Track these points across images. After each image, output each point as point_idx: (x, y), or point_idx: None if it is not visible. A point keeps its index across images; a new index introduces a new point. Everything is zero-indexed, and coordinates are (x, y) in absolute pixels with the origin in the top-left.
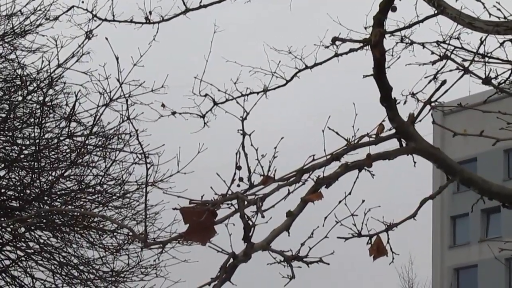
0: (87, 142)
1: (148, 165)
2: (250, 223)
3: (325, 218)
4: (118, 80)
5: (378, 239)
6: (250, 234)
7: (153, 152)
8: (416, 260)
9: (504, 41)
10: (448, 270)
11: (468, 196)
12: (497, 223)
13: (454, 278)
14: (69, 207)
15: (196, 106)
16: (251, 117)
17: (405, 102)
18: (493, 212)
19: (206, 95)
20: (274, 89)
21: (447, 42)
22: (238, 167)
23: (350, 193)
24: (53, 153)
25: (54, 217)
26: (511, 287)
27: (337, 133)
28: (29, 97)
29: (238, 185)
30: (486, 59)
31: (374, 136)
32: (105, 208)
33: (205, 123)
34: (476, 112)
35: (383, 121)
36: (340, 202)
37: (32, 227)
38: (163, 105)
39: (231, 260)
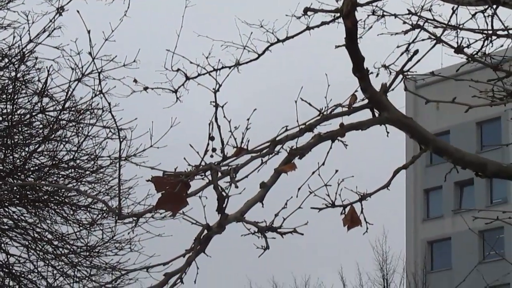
0: (59, 117)
1: (121, 140)
2: (224, 194)
3: (299, 189)
4: (90, 54)
5: (352, 209)
6: (224, 205)
7: (126, 127)
8: (389, 233)
9: (475, 13)
10: (421, 243)
11: (441, 169)
12: (470, 195)
13: (428, 251)
14: (43, 182)
15: (168, 81)
16: (223, 91)
17: (377, 75)
18: (466, 185)
19: (178, 69)
20: (246, 63)
21: (419, 14)
22: (211, 138)
23: (323, 164)
24: (25, 128)
25: (27, 192)
26: (484, 259)
27: (309, 104)
28: (0, 73)
29: (211, 156)
30: (458, 31)
31: (347, 106)
32: (79, 183)
33: (177, 98)
34: (448, 85)
35: (356, 91)
36: (313, 172)
37: (6, 203)
38: (135, 81)
39: (205, 231)
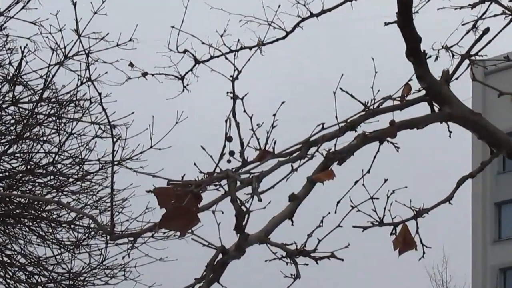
0: (36, 110)
1: (114, 139)
2: (244, 209)
3: (338, 202)
4: (76, 32)
5: (405, 229)
6: (244, 223)
7: (120, 123)
8: (451, 259)
9: None
10: (492, 270)
11: None
12: None
13: (499, 281)
14: (15, 192)
15: (173, 65)
16: (243, 78)
17: (436, 59)
18: None
19: (185, 51)
20: (272, 42)
21: None
22: (229, 138)
23: (369, 171)
24: None
25: None
26: None
27: (352, 95)
28: None
29: (229, 161)
30: None
31: (398, 99)
32: (60, 193)
33: (184, 86)
34: None
35: (410, 80)
36: (356, 182)
37: None
38: (131, 64)
39: (220, 255)
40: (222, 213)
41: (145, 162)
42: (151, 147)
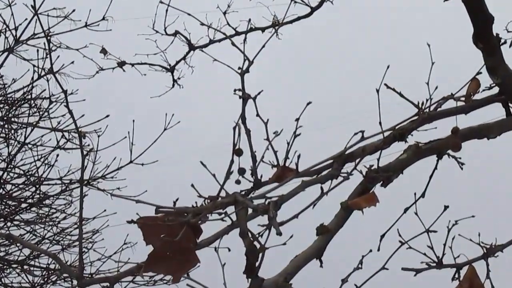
0: None
1: (84, 151)
2: (258, 245)
3: (382, 236)
4: (34, 8)
5: (472, 272)
6: (257, 264)
7: (90, 130)
8: None
9: None
10: None
11: None
12: None
13: None
14: None
15: (161, 52)
16: (254, 71)
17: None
18: None
19: (176, 33)
20: (291, 22)
21: None
22: (237, 152)
23: (423, 195)
24: None
25: None
26: None
27: (401, 94)
28: None
29: (238, 182)
30: None
31: (463, 99)
32: (9, 223)
33: (175, 80)
34: None
35: (479, 74)
36: (406, 210)
37: None
38: (104, 51)
39: None
40: (229, 250)
41: (123, 182)
42: (131, 161)
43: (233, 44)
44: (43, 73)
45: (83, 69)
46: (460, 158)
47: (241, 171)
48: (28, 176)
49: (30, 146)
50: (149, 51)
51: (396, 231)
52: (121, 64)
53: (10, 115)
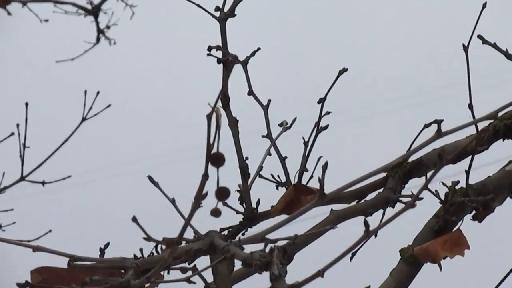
0: None
1: None
2: None
3: None
4: None
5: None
6: None
7: None
8: None
9: None
10: None
11: None
12: None
13: None
14: None
15: None
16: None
17: None
18: None
19: None
20: None
21: None
22: (215, 159)
23: None
24: None
25: None
26: None
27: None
28: None
29: (216, 213)
30: None
31: None
32: None
33: (101, 30)
34: None
35: None
36: None
37: None
38: None
39: None
40: None
41: (6, 215)
42: (22, 178)
43: None
44: None
45: None
46: None
47: (222, 194)
48: None
49: None
50: None
51: None
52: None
53: None
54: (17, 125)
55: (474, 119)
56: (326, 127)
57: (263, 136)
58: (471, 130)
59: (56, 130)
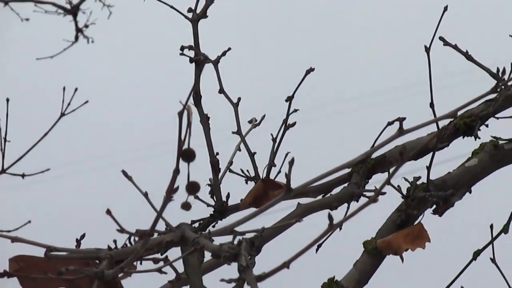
0: None
1: None
2: None
3: None
4: None
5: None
6: None
7: None
8: None
9: None
10: None
11: None
12: None
13: None
14: None
15: None
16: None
17: None
18: None
19: None
20: None
21: None
22: (186, 154)
23: (505, 231)
24: None
25: None
26: None
27: (468, 56)
28: None
29: (187, 206)
30: None
31: None
32: None
33: (79, 29)
34: None
35: None
36: (476, 256)
37: None
38: None
39: None
40: None
41: None
42: (3, 170)
43: None
44: None
45: None
46: None
47: (193, 188)
48: None
49: None
50: None
51: None
52: None
53: None
54: None
55: (435, 117)
56: (294, 124)
57: (233, 133)
58: (432, 128)
59: (36, 125)
